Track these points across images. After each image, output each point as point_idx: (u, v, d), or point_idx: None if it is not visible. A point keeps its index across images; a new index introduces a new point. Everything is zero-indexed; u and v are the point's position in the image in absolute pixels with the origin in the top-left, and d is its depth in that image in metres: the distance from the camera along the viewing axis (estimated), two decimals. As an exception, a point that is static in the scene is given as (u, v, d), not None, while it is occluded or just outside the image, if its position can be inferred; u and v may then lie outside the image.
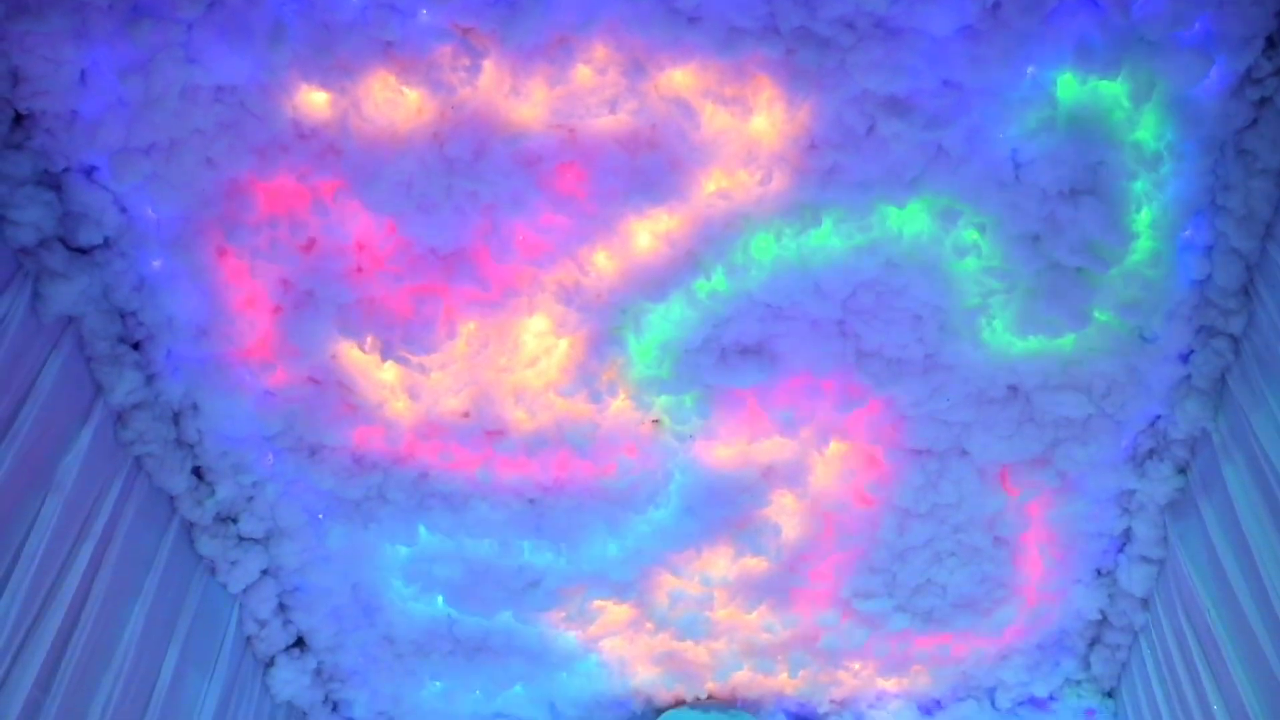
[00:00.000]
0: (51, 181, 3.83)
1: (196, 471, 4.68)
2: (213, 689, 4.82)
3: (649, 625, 5.37)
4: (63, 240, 3.90)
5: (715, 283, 4.27)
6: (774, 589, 5.23)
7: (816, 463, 4.87)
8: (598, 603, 5.26)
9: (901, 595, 5.31)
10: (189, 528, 4.74)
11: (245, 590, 5.05)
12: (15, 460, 3.67)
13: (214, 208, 4.02)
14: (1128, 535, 5.18)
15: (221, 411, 4.47)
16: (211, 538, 4.81)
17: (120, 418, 4.27)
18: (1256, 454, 4.19)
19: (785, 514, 5.02)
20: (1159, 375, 4.57)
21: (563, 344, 4.41)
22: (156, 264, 4.11)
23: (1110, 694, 5.88)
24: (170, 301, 4.18)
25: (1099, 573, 5.37)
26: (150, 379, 4.32)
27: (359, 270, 4.19)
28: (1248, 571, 4.28)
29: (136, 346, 4.26)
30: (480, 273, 4.16)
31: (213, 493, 4.73)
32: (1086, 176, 4.05)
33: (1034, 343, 4.48)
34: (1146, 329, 4.44)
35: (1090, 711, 5.72)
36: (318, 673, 5.59)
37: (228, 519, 4.87)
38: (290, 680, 5.39)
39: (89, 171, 3.87)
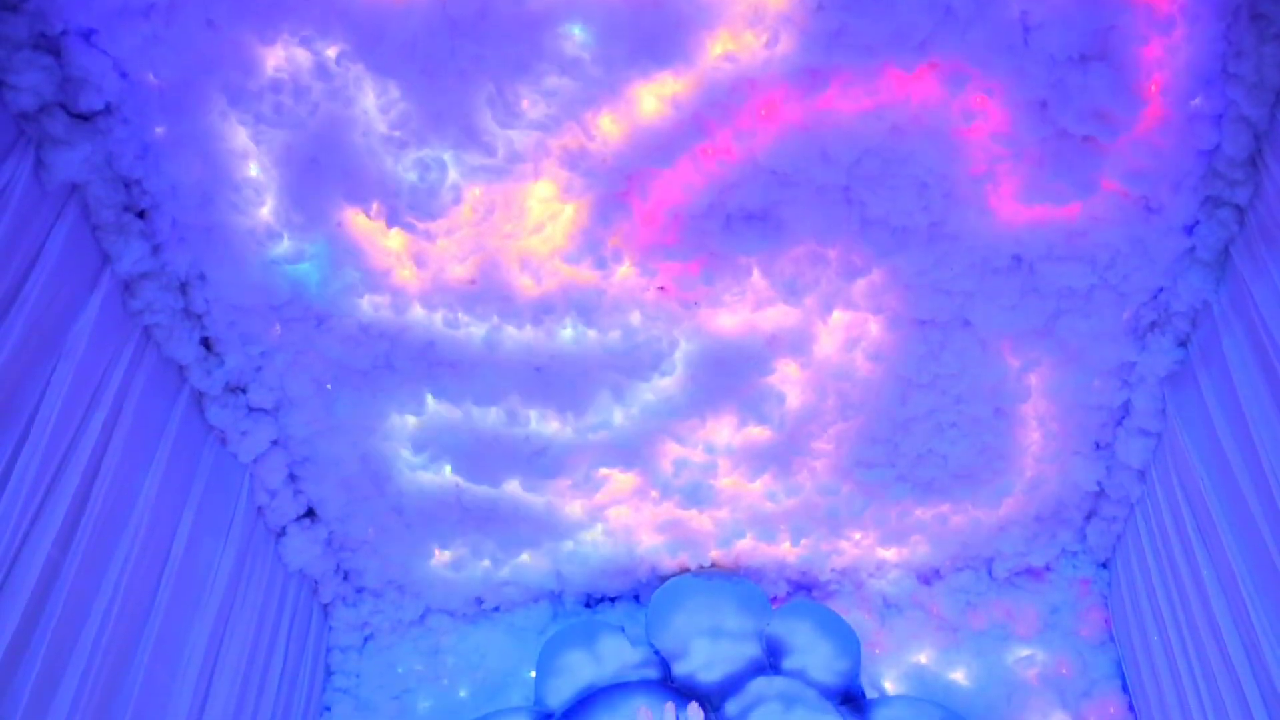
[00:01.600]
0: (50, 45, 3.77)
1: (205, 342, 4.71)
2: (226, 557, 4.89)
3: (654, 493, 5.44)
4: (64, 106, 3.85)
5: (720, 148, 4.24)
6: (777, 458, 5.30)
7: (820, 331, 4.89)
8: (603, 471, 5.33)
9: (903, 465, 5.38)
10: (199, 398, 4.78)
11: (255, 460, 5.11)
12: (25, 326, 3.67)
13: (216, 72, 3.96)
14: (1126, 408, 5.22)
15: (228, 281, 4.47)
16: (221, 408, 4.85)
17: (128, 287, 4.27)
18: (1256, 326, 4.20)
19: (788, 383, 5.06)
20: (1163, 247, 4.57)
21: (568, 210, 4.40)
22: (159, 130, 4.07)
23: (1105, 565, 5.99)
24: (174, 169, 4.15)
25: (1097, 445, 5.44)
26: (156, 248, 4.32)
27: (363, 136, 4.16)
28: (1243, 443, 4.32)
29: (142, 215, 4.24)
30: (485, 137, 4.13)
31: (221, 363, 4.77)
32: (1096, 41, 3.99)
33: (1039, 211, 4.48)
34: (1153, 199, 4.43)
35: None
36: (328, 542, 5.68)
37: (237, 389, 4.91)
38: (302, 550, 5.48)
39: (87, 35, 3.81)
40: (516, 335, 4.74)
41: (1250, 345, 4.27)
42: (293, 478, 5.34)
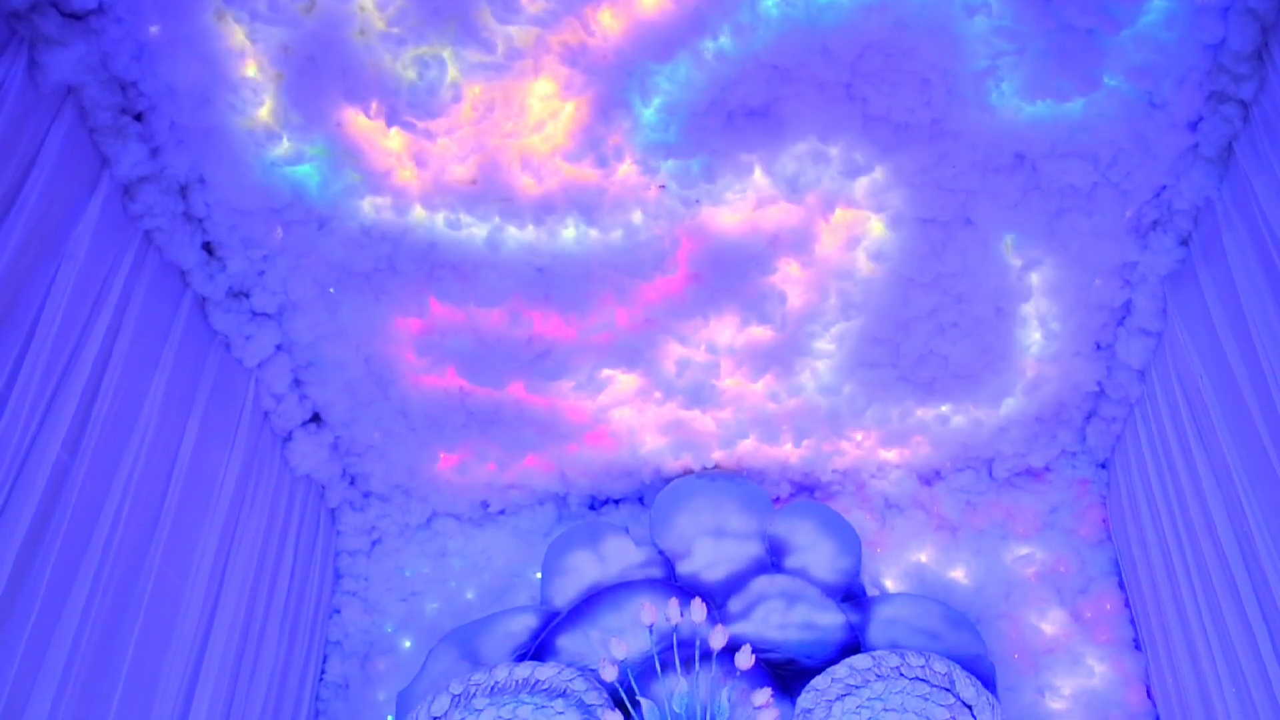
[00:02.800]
0: (37, -58, 3.73)
1: (207, 246, 4.69)
2: (233, 462, 4.93)
3: (656, 394, 5.46)
4: (56, 5, 3.79)
5: (722, 43, 4.19)
6: (779, 358, 5.31)
7: (822, 230, 4.87)
8: (606, 372, 5.35)
9: (904, 365, 5.39)
10: (202, 303, 4.79)
11: (260, 365, 5.12)
12: (26, 229, 3.66)
13: (208, -33, 3.91)
14: (1127, 307, 5.23)
15: (228, 183, 4.43)
16: (225, 312, 4.85)
17: (127, 191, 4.25)
18: (1258, 223, 4.18)
19: (790, 282, 5.05)
20: (1166, 143, 4.54)
21: (569, 108, 4.36)
22: (154, 30, 4.00)
23: (1104, 465, 6.04)
24: (170, 70, 4.08)
25: (1098, 346, 5.45)
26: (155, 151, 4.28)
27: (361, 34, 4.11)
28: (1242, 342, 4.33)
29: (139, 118, 4.20)
30: (484, 33, 4.08)
31: (224, 267, 4.75)
32: (1100, -69, 3.95)
33: (1042, 107, 4.44)
34: (1156, 94, 4.40)
35: None
36: (335, 447, 5.73)
37: (240, 294, 4.91)
38: (308, 454, 5.53)
39: (76, -70, 3.76)
40: (518, 236, 4.72)
41: (1252, 242, 4.26)
42: (298, 382, 5.36)
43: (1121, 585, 5.80)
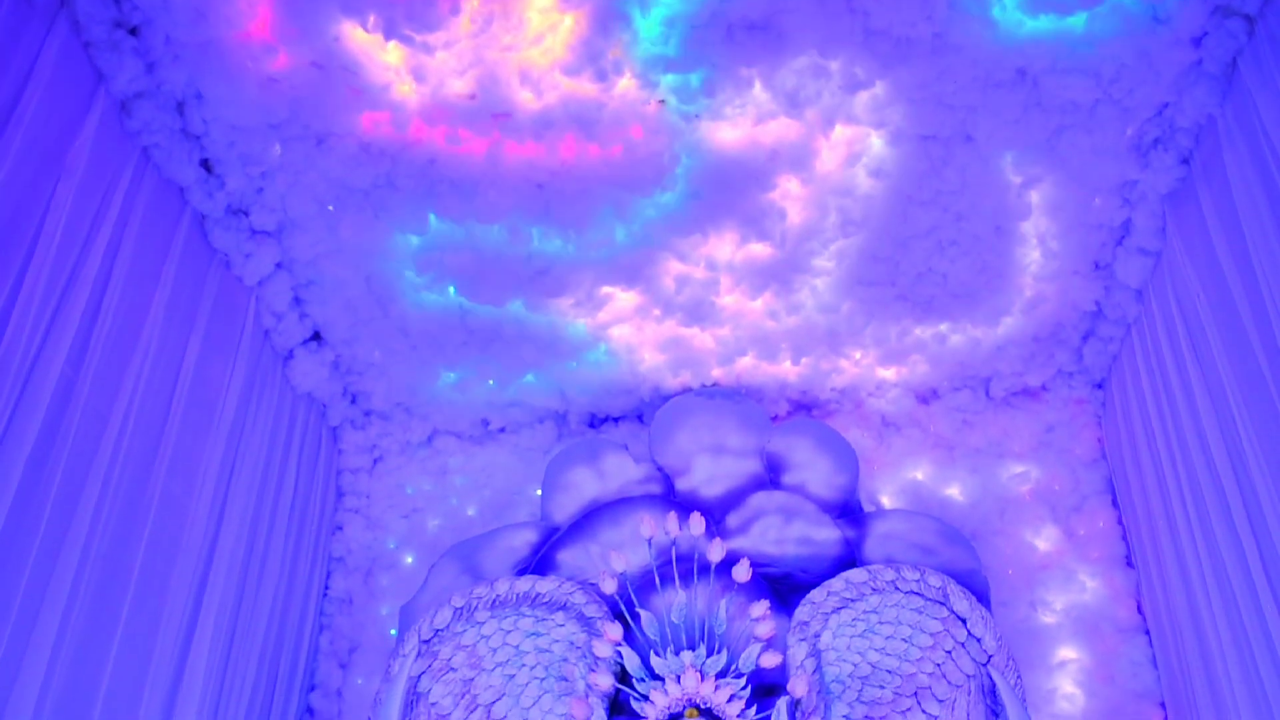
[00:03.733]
0: None
1: (205, 164, 4.68)
2: (235, 379, 4.96)
3: (656, 311, 5.47)
4: (44, -81, 3.77)
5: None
6: (778, 275, 5.31)
7: (822, 146, 4.84)
8: (606, 289, 5.36)
9: (903, 283, 5.39)
10: (201, 220, 4.79)
11: (260, 283, 5.14)
12: (23, 144, 3.65)
13: (203, -127, 3.86)
14: (1127, 226, 5.22)
15: (224, 99, 4.40)
16: (224, 230, 4.86)
17: (124, 106, 4.22)
18: (1260, 141, 4.16)
19: (790, 199, 5.03)
20: (1169, 59, 4.50)
21: (567, 20, 4.31)
22: (147, -59, 3.99)
23: (1100, 385, 6.06)
24: (164, -18, 4.07)
25: (1096, 265, 5.45)
26: (151, 66, 4.24)
27: (356, -56, 4.08)
28: (1241, 262, 4.32)
29: (134, 32, 4.16)
30: (481, -58, 4.05)
31: (222, 184, 4.74)
32: None
33: (1044, 21, 4.40)
34: (1160, 9, 4.35)
35: None
36: (335, 365, 5.76)
37: (239, 211, 4.91)
38: (309, 372, 5.56)
39: None
40: (517, 150, 4.68)
41: (1253, 161, 4.24)
42: (298, 301, 5.38)
43: (1115, 503, 5.87)
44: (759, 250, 5.21)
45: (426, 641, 4.82)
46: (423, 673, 4.77)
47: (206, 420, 4.75)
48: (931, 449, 6.02)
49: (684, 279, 5.32)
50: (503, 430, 6.21)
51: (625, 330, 5.61)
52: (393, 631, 5.72)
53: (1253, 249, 4.21)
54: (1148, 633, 5.53)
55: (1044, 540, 5.80)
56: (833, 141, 4.83)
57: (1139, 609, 5.60)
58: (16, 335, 3.58)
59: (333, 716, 5.60)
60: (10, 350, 3.55)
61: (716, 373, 5.82)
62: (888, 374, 5.99)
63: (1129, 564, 5.71)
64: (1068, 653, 5.55)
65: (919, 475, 5.97)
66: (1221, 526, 4.51)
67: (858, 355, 5.82)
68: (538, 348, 5.62)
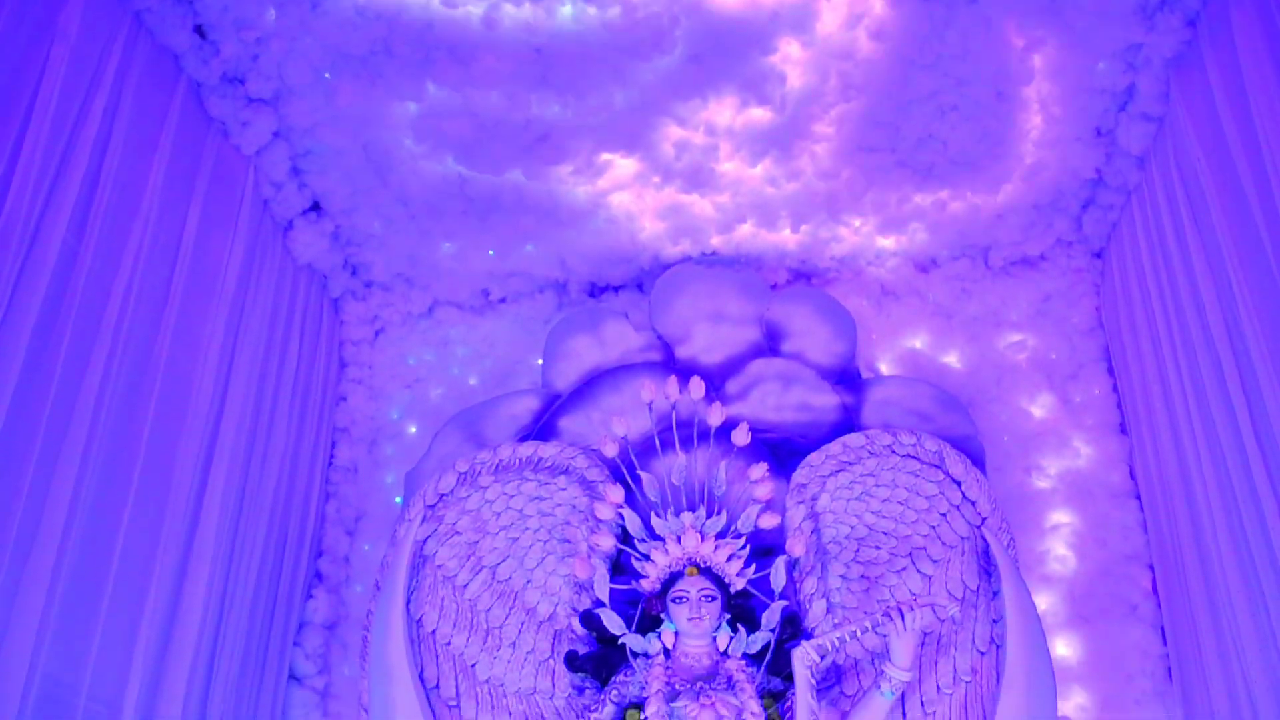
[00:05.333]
0: None
1: (199, 29, 4.62)
2: (235, 250, 4.96)
3: (655, 179, 5.44)
4: None
5: None
6: (778, 141, 5.26)
7: (823, 8, 4.76)
8: (605, 156, 5.32)
9: (903, 149, 5.35)
10: (197, 88, 4.75)
11: (258, 153, 5.11)
12: (12, 10, 3.59)
13: None
14: (1130, 92, 5.15)
15: (215, -40, 4.36)
16: (220, 98, 4.81)
17: (113, -32, 4.17)
18: (1268, 1, 4.10)
19: (790, 63, 4.97)
20: (1179, -86, 4.42)
21: (564, -126, 4.24)
22: None
23: (1099, 255, 6.06)
24: None
25: (1098, 132, 5.39)
26: (139, -73, 4.19)
27: None
28: (1244, 128, 4.26)
29: (121, -106, 4.10)
30: None
31: (217, 51, 4.68)
32: None
33: (1051, -125, 4.32)
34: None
35: None
36: (335, 236, 5.75)
37: (235, 79, 4.86)
38: (309, 243, 5.55)
39: None
40: (515, 14, 4.62)
41: (1260, 23, 4.15)
42: (296, 170, 5.35)
43: (1110, 371, 5.90)
44: (759, 115, 5.15)
45: (432, 506, 4.89)
46: (428, 536, 4.85)
47: (208, 291, 4.76)
48: (930, 317, 6.03)
49: (683, 144, 5.27)
50: (503, 300, 6.23)
51: (624, 198, 5.58)
52: (398, 499, 5.81)
53: (1257, 115, 4.15)
54: (1139, 497, 5.60)
55: (1039, 407, 5.85)
56: (834, 3, 4.75)
57: (1131, 474, 5.67)
58: (17, 205, 3.57)
59: (341, 581, 5.72)
60: (11, 220, 3.54)
61: (715, 241, 5.81)
62: (887, 243, 5.98)
63: (1123, 431, 5.76)
64: (1060, 516, 5.64)
65: (917, 343, 6.00)
66: (1215, 394, 4.54)
67: (857, 223, 5.81)
68: (537, 217, 5.60)
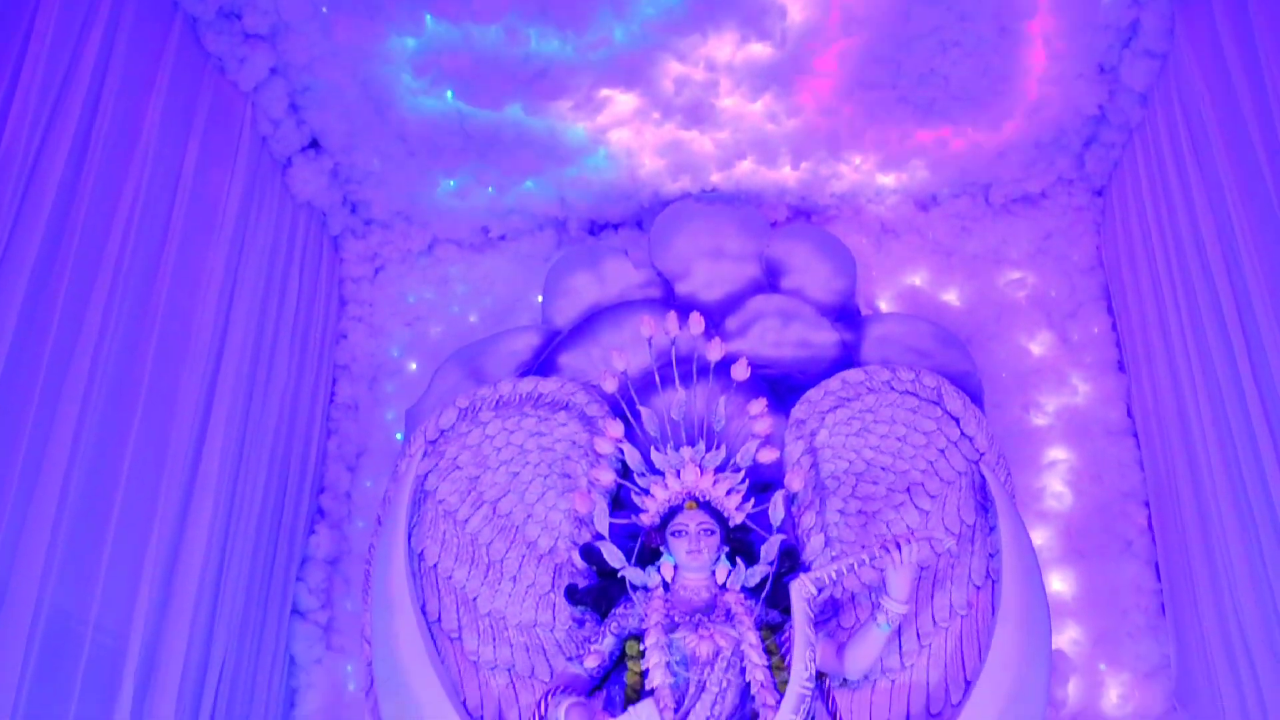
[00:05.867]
0: None
1: (194, -37, 4.60)
2: (234, 188, 4.94)
3: (655, 115, 5.41)
4: None
5: None
6: (778, 76, 5.22)
7: (824, -60, 4.74)
8: (604, 91, 5.28)
9: (905, 85, 5.31)
10: (194, 23, 4.70)
11: (256, 89, 5.07)
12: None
13: None
14: (1134, 28, 5.11)
15: (205, -110, 4.30)
16: (216, 34, 4.77)
17: (102, -100, 4.10)
18: (1275, -65, 4.06)
19: (791, -4, 4.95)
20: None
21: None
22: None
23: (1100, 193, 6.04)
24: None
25: (1101, 69, 5.36)
26: None
27: None
28: (1249, 65, 4.23)
29: None
30: None
31: (212, -16, 4.66)
32: None
33: None
34: None
35: None
36: (334, 173, 5.73)
37: (231, 14, 4.81)
38: (308, 180, 5.54)
39: None
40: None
41: (1268, -44, 4.14)
42: (294, 107, 5.32)
43: (1109, 310, 5.91)
44: (759, 50, 5.11)
45: (433, 442, 4.93)
46: (429, 471, 4.90)
47: (208, 228, 4.75)
48: (930, 255, 6.04)
49: (683, 80, 5.23)
50: (503, 238, 6.22)
51: (624, 134, 5.55)
52: (398, 436, 5.84)
53: (1262, 53, 4.12)
54: (1136, 435, 5.63)
55: (1038, 345, 5.87)
56: (836, -67, 4.71)
57: (1128, 412, 5.70)
58: (13, 143, 3.55)
59: (343, 517, 5.77)
60: (8, 158, 3.53)
61: (715, 177, 5.79)
62: (887, 180, 5.96)
63: (1121, 369, 5.78)
64: (1057, 453, 5.67)
65: (917, 280, 6.00)
66: (1214, 334, 4.55)
67: (857, 160, 5.78)
68: (536, 153, 5.58)
